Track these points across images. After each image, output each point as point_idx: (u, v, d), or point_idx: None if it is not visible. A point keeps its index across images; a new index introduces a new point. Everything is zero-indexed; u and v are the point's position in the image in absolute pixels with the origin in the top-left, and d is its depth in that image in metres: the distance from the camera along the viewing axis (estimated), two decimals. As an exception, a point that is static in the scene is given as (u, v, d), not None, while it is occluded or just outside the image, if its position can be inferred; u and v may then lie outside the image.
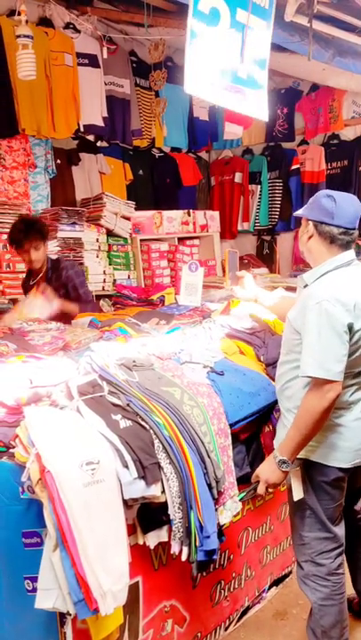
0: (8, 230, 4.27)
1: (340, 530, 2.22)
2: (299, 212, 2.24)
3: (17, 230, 3.41)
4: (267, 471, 2.09)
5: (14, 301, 4.12)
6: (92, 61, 4.82)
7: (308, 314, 1.98)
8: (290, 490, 2.21)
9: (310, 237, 2.16)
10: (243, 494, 2.24)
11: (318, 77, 4.78)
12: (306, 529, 2.20)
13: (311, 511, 2.17)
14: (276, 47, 3.45)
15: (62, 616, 1.81)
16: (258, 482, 2.14)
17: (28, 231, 3.37)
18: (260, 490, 2.12)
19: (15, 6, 3.69)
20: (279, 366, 2.26)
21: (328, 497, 2.15)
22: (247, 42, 2.64)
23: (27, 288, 3.64)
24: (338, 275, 2.07)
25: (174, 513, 1.91)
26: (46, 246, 3.54)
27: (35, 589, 1.70)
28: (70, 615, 1.73)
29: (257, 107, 2.83)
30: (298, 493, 2.14)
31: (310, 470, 2.14)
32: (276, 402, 2.53)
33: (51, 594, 1.64)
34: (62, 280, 3.49)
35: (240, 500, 2.23)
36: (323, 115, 5.92)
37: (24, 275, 3.93)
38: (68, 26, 4.66)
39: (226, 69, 2.69)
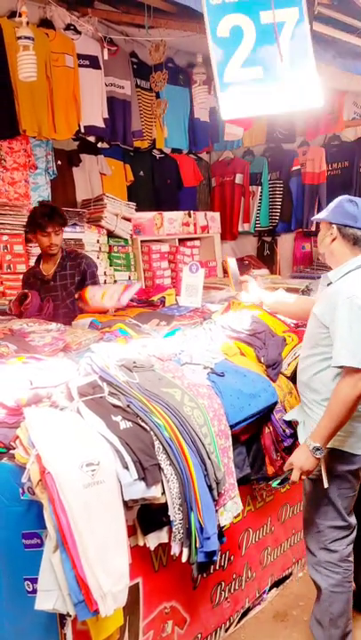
0: (9, 231, 4.31)
1: (353, 519, 2.34)
2: (321, 217, 2.36)
3: (40, 214, 3.48)
4: (301, 458, 2.18)
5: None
6: (93, 63, 4.82)
7: (339, 308, 2.13)
8: (312, 480, 2.30)
9: (333, 240, 2.29)
10: (277, 481, 2.31)
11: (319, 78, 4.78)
12: (322, 517, 2.31)
13: (328, 500, 2.28)
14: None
15: (62, 617, 1.82)
16: (290, 470, 2.22)
17: (52, 215, 3.45)
18: (295, 477, 2.20)
19: (16, 8, 3.69)
20: (303, 360, 2.37)
21: (349, 486, 2.28)
22: (282, 38, 2.61)
23: (32, 282, 3.63)
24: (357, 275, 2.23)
25: (174, 514, 1.91)
26: (63, 233, 3.60)
27: (35, 590, 1.70)
28: (70, 616, 1.73)
29: (307, 94, 2.70)
30: (326, 481, 2.23)
31: (333, 460, 2.24)
32: (276, 403, 2.54)
33: (51, 595, 1.64)
34: (81, 267, 3.59)
35: (275, 486, 2.31)
36: (323, 116, 5.92)
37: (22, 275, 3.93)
38: (68, 27, 4.67)
39: (265, 78, 2.67)
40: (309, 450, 2.14)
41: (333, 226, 2.29)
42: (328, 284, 2.31)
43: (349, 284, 2.18)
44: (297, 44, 2.60)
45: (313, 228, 6.12)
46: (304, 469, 2.17)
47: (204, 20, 2.64)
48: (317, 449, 2.13)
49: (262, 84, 2.65)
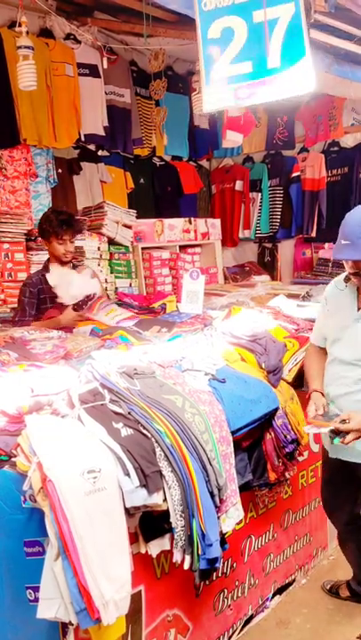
0: (10, 239, 4.30)
1: None
2: (353, 257, 2.20)
3: (58, 221, 3.43)
4: None
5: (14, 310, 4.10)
6: (93, 71, 4.85)
7: None
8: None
9: None
10: (337, 438, 2.24)
11: (318, 86, 4.79)
12: None
13: None
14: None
15: (64, 626, 1.81)
16: (345, 433, 2.19)
17: (70, 223, 3.44)
18: (348, 439, 2.17)
19: (16, 17, 3.72)
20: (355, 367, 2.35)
21: None
22: (276, 32, 2.64)
23: (45, 288, 3.53)
24: None
25: (176, 521, 1.91)
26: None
27: (37, 599, 1.69)
28: (72, 625, 1.72)
29: (298, 82, 2.71)
30: None
31: None
32: (277, 409, 2.54)
33: (53, 603, 1.64)
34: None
35: (333, 443, 2.27)
36: (323, 122, 5.94)
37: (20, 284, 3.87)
38: (68, 36, 4.70)
39: (253, 72, 2.71)
40: None
41: None
42: None
43: None
44: (292, 36, 2.62)
45: (313, 235, 6.14)
46: None
47: (196, 23, 2.67)
48: None
49: (251, 78, 2.69)
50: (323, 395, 2.47)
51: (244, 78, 2.72)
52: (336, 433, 2.21)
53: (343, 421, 2.20)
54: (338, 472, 2.58)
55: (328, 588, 2.95)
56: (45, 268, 3.64)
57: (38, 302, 3.49)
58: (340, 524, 2.79)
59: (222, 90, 2.76)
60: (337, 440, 2.22)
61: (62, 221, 3.42)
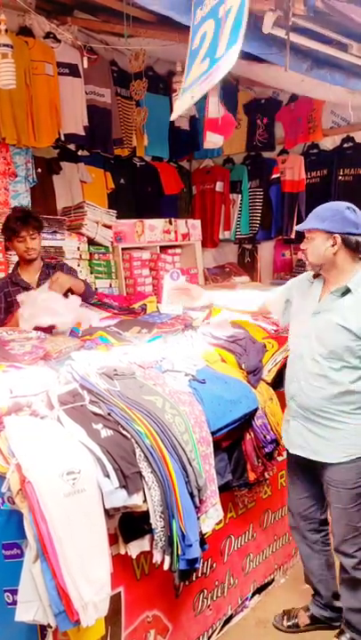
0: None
1: None
2: (319, 226, 2.28)
3: (14, 219, 3.43)
4: None
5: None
6: (73, 71, 4.82)
7: None
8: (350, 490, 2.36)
9: (337, 250, 2.26)
10: None
11: (297, 88, 4.83)
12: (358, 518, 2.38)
13: None
14: (255, 58, 3.50)
15: (43, 628, 1.80)
16: None
17: (26, 219, 3.41)
18: None
19: (-5, 16, 3.68)
20: (331, 372, 2.30)
21: None
22: (225, 24, 2.59)
23: (13, 290, 3.50)
24: None
25: (156, 522, 1.91)
26: (41, 238, 3.55)
27: (15, 602, 1.68)
28: (51, 627, 1.71)
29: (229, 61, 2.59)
30: None
31: None
32: (256, 409, 2.55)
33: (31, 606, 1.63)
34: (64, 272, 3.53)
35: None
36: (302, 124, 5.98)
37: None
38: (48, 35, 4.67)
39: (208, 68, 2.67)
40: None
41: (337, 235, 2.24)
42: (342, 295, 2.28)
43: None
44: (235, 25, 2.54)
45: (292, 236, 6.17)
46: None
47: (190, 34, 2.66)
48: None
49: (205, 73, 2.66)
50: None
51: (198, 79, 2.70)
52: None
53: None
54: (301, 469, 2.55)
55: (283, 622, 2.71)
56: (14, 270, 3.64)
57: (6, 306, 3.45)
58: (304, 532, 2.62)
59: (187, 95, 2.74)
60: None
61: (17, 219, 3.42)
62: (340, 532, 2.42)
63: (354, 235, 2.24)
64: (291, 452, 2.51)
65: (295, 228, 2.43)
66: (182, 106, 2.82)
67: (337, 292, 2.31)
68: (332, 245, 2.25)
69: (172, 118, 2.95)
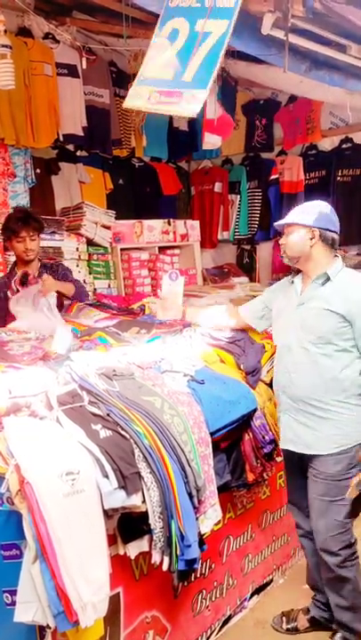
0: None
1: None
2: (301, 221, 2.41)
3: (14, 219, 3.43)
4: None
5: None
6: (72, 71, 4.82)
7: None
8: (334, 485, 2.37)
9: (314, 243, 2.40)
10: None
11: (296, 89, 4.84)
12: (346, 516, 2.40)
13: (348, 500, 2.38)
14: (254, 59, 3.51)
15: (42, 629, 1.79)
16: None
17: (27, 220, 3.41)
18: None
19: (-6, 17, 3.68)
20: (321, 359, 2.36)
21: None
22: (201, 47, 2.60)
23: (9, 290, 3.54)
24: (350, 270, 2.48)
25: (155, 522, 1.91)
26: (40, 239, 3.56)
27: (14, 603, 1.67)
28: (50, 628, 1.71)
29: (191, 105, 2.64)
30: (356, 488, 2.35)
31: None
32: (255, 410, 2.55)
33: (30, 607, 1.63)
34: (58, 274, 3.57)
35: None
36: (301, 125, 5.99)
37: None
38: (47, 36, 4.67)
39: (171, 82, 2.68)
40: None
41: (315, 229, 2.38)
42: (323, 283, 2.39)
43: (358, 278, 2.40)
44: (208, 56, 2.58)
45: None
46: None
47: (158, 19, 2.65)
48: None
49: (167, 86, 2.67)
50: None
51: (161, 84, 2.70)
52: None
53: None
54: (293, 465, 2.56)
55: (281, 625, 2.68)
56: (12, 270, 3.64)
57: (6, 305, 3.45)
58: (307, 526, 2.57)
59: (142, 89, 2.74)
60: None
61: (18, 219, 3.42)
62: (325, 528, 2.41)
63: (331, 231, 2.40)
64: (282, 447, 2.53)
65: (274, 224, 2.50)
66: (135, 101, 2.80)
67: (318, 280, 2.41)
68: (311, 239, 2.39)
69: (124, 105, 2.94)
